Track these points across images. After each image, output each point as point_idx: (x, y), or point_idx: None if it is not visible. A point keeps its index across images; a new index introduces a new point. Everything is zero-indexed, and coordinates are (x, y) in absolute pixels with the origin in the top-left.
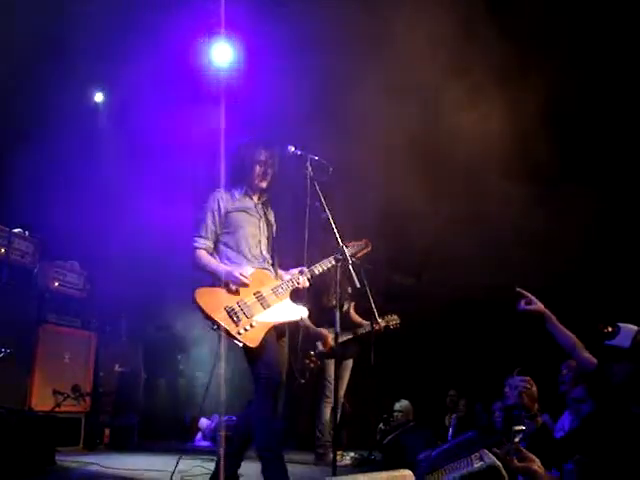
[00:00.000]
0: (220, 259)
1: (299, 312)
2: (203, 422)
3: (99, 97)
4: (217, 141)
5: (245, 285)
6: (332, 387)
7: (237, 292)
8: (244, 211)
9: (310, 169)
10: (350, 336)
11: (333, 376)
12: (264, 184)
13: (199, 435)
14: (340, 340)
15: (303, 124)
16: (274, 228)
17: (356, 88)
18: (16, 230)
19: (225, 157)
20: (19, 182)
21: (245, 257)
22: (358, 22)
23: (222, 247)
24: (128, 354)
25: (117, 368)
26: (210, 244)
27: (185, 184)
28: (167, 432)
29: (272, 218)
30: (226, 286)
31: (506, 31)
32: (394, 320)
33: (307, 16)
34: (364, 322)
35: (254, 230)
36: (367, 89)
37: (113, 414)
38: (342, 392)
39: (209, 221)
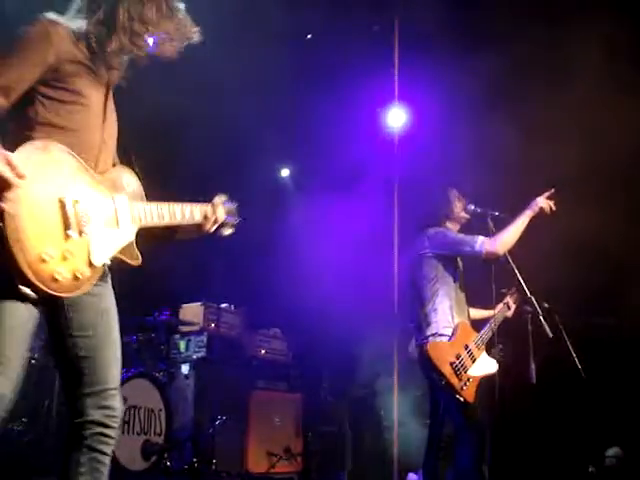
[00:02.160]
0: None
1: (494, 365)
2: (412, 477)
3: (285, 172)
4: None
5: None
6: None
7: (455, 346)
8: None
9: (492, 225)
10: None
11: None
12: (467, 216)
13: None
14: None
15: (479, 178)
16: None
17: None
18: (223, 305)
19: (421, 198)
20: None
21: (453, 307)
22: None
23: (438, 299)
24: (333, 413)
25: (324, 427)
26: None
27: (366, 241)
28: None
29: None
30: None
31: None
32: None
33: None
34: None
35: (457, 278)
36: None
37: (322, 473)
38: None
39: None
